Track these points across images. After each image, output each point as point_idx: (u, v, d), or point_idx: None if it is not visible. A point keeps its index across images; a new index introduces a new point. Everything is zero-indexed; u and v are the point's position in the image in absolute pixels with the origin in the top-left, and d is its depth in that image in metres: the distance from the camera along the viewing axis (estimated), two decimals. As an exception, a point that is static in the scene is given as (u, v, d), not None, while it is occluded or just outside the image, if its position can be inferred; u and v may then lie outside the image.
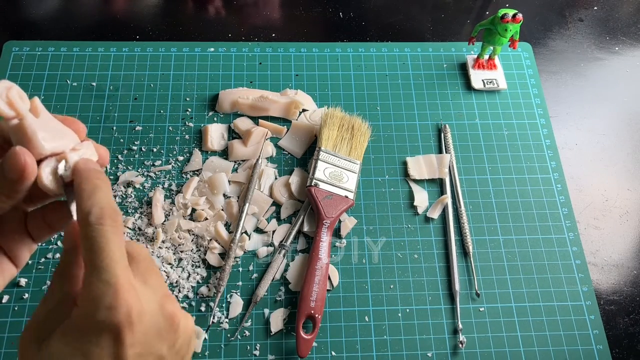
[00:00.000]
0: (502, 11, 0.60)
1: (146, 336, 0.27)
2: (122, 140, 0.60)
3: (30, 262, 0.53)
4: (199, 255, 0.54)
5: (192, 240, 0.55)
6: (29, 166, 0.27)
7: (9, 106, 0.27)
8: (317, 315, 0.50)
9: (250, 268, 0.54)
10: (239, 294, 0.53)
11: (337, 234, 0.56)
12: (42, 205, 0.32)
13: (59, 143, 0.29)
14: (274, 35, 0.70)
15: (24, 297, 0.51)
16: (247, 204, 0.55)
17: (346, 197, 0.56)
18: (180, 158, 0.59)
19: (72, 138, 0.30)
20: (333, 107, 0.61)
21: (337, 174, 0.57)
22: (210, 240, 0.54)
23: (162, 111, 0.62)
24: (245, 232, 0.55)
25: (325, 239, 0.54)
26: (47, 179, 0.28)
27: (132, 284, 0.27)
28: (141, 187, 0.57)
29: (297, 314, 0.51)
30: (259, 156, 0.58)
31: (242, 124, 0.61)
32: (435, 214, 0.58)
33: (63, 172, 0.29)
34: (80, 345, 0.26)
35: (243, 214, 0.55)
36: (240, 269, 0.54)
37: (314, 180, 0.56)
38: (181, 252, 0.54)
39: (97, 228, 0.27)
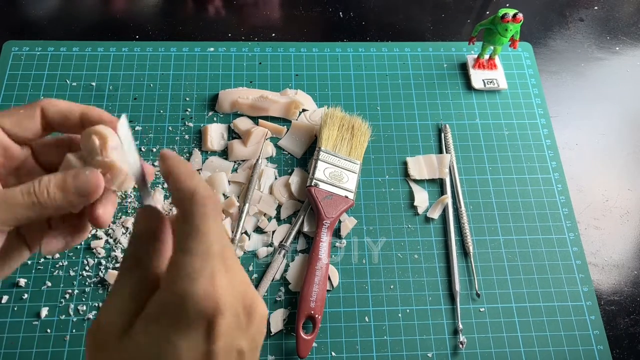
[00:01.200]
0: (502, 11, 0.60)
1: (230, 328, 0.26)
2: (121, 140, 0.60)
3: (29, 262, 0.52)
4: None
5: None
6: (100, 187, 0.29)
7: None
8: (317, 316, 0.50)
9: (250, 268, 0.54)
10: (238, 294, 0.53)
11: (337, 234, 0.56)
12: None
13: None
14: (273, 35, 0.70)
15: (24, 297, 0.51)
16: (247, 204, 0.55)
17: (346, 197, 0.56)
18: (180, 158, 0.59)
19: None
20: (333, 107, 0.61)
21: (337, 174, 0.57)
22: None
23: (161, 111, 0.62)
24: (245, 232, 0.55)
25: (325, 239, 0.54)
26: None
27: (224, 275, 0.26)
28: (141, 187, 0.57)
29: (297, 315, 0.50)
30: (259, 156, 0.58)
31: (242, 124, 0.61)
32: (435, 214, 0.58)
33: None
34: (170, 334, 0.25)
35: (243, 214, 0.55)
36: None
37: (314, 180, 0.56)
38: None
39: (202, 209, 0.26)
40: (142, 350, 0.25)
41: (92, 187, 0.29)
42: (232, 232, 0.55)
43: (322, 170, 0.57)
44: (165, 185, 0.57)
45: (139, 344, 0.25)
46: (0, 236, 0.29)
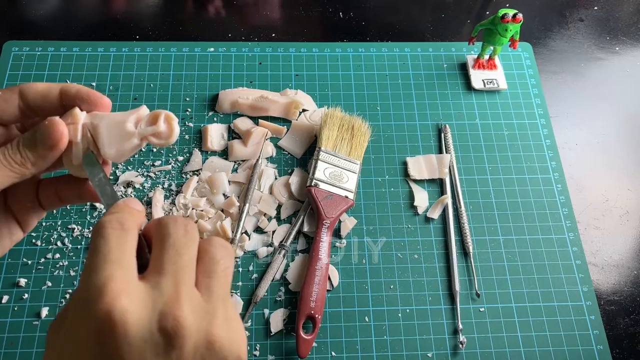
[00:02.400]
0: (502, 11, 0.60)
1: (140, 350, 0.23)
2: (122, 141, 0.60)
3: (29, 262, 0.53)
4: (199, 256, 0.54)
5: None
6: (64, 137, 0.29)
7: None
8: (317, 316, 0.50)
9: (250, 268, 0.54)
10: (238, 294, 0.53)
11: (337, 234, 0.56)
12: (55, 175, 0.33)
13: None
14: (273, 35, 0.70)
15: (24, 297, 0.51)
16: (247, 204, 0.55)
17: (346, 197, 0.56)
18: (180, 158, 0.59)
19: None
20: (333, 107, 0.61)
21: (337, 174, 0.57)
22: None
23: (162, 111, 0.62)
24: (246, 232, 0.55)
25: (325, 239, 0.54)
26: (76, 159, 0.31)
27: (127, 283, 0.24)
28: (141, 187, 0.57)
29: (297, 314, 0.51)
30: (259, 156, 0.58)
31: (242, 124, 0.61)
32: (435, 214, 0.58)
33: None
34: (76, 343, 0.24)
35: (243, 214, 0.55)
36: (240, 269, 0.54)
37: (314, 181, 0.56)
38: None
39: (101, 230, 0.26)
40: (58, 347, 0.25)
41: (55, 135, 0.29)
42: (232, 232, 0.55)
43: (322, 170, 0.57)
44: (166, 185, 0.57)
45: (57, 342, 0.25)
46: (13, 227, 0.30)
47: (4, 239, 0.33)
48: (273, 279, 0.53)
